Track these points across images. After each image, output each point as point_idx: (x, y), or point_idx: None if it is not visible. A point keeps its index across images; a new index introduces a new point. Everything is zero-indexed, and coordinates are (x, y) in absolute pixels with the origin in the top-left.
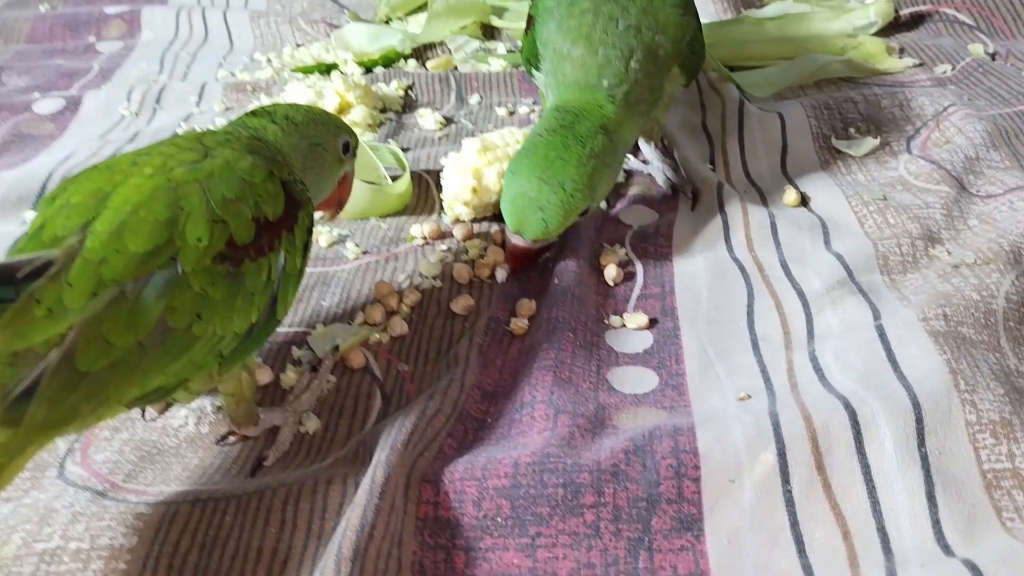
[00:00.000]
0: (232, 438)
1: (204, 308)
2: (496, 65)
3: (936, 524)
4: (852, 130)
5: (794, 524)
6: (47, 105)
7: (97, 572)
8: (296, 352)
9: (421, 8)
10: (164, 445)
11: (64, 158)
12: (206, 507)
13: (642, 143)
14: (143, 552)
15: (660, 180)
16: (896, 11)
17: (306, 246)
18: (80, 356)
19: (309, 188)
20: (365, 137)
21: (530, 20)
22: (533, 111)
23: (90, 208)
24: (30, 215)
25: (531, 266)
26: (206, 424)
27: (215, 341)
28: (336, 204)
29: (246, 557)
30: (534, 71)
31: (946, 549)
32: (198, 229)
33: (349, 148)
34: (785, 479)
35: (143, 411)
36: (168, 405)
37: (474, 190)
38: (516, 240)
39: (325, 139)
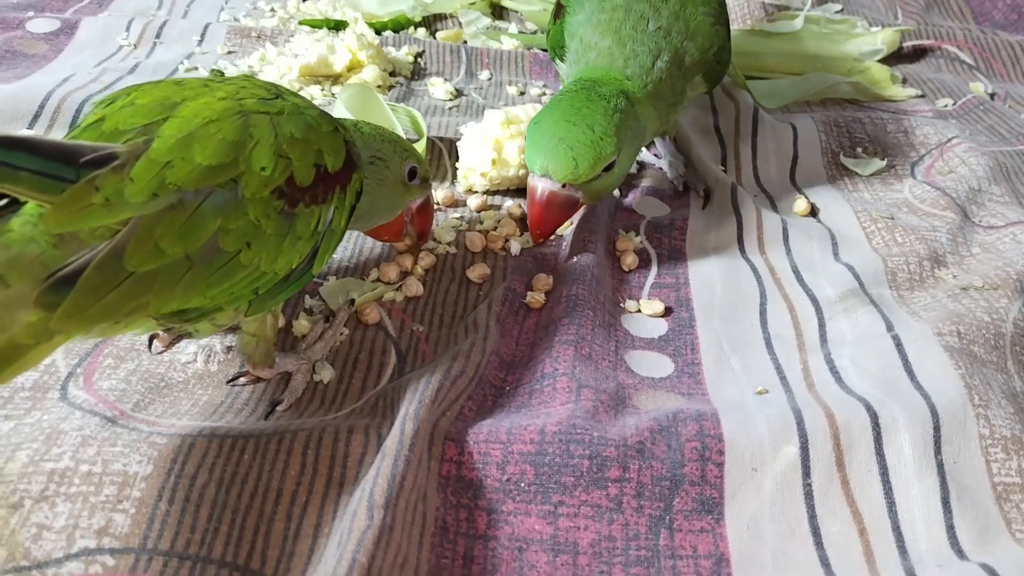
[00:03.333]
0: (244, 379)
1: (255, 238)
2: (508, 44)
3: (951, 529)
4: (859, 150)
5: (812, 517)
6: (41, 24)
7: (110, 497)
8: (308, 301)
9: None
10: (172, 379)
11: (62, 80)
12: (224, 443)
13: (657, 138)
14: (159, 482)
15: (671, 175)
16: (900, 43)
17: (352, 209)
18: (129, 254)
19: (364, 203)
20: (381, 97)
21: (559, 9)
22: (544, 94)
23: (157, 112)
24: (25, 134)
25: (553, 230)
26: (215, 363)
27: (256, 276)
28: (417, 234)
29: (265, 497)
30: (558, 61)
31: (960, 553)
32: (264, 158)
33: (416, 175)
34: (806, 472)
35: (150, 343)
36: (174, 340)
37: (493, 161)
38: (543, 184)
39: (389, 157)
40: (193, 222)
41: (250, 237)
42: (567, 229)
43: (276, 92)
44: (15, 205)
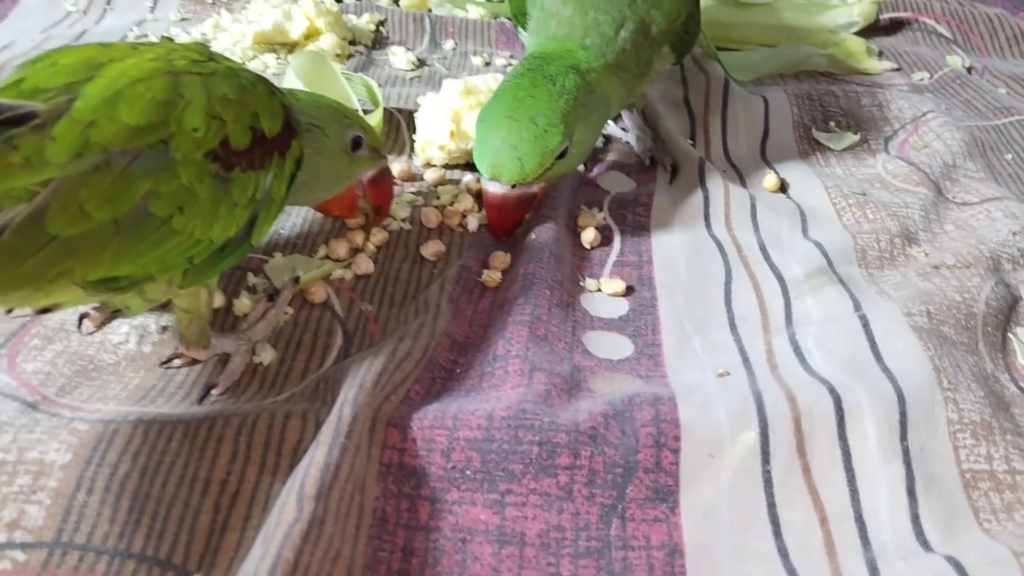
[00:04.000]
0: (178, 361)
1: (188, 203)
2: (474, 13)
3: (915, 519)
4: (832, 124)
5: (771, 506)
6: None
7: (24, 487)
8: (252, 279)
9: None
10: (102, 361)
11: (2, 46)
12: (150, 429)
13: (623, 111)
14: (77, 471)
15: (638, 149)
16: (877, 15)
17: (292, 177)
18: (52, 218)
19: (303, 173)
20: (336, 66)
21: None
22: (510, 64)
23: (80, 71)
24: None
25: (513, 228)
26: (149, 344)
27: (191, 243)
28: (373, 209)
29: (192, 487)
30: (521, 29)
31: (925, 545)
32: (195, 119)
33: (361, 144)
34: (765, 459)
35: (80, 322)
36: (106, 319)
37: (452, 133)
38: (494, 188)
39: (326, 125)
40: (120, 184)
41: (182, 202)
42: None
43: (209, 55)
44: None
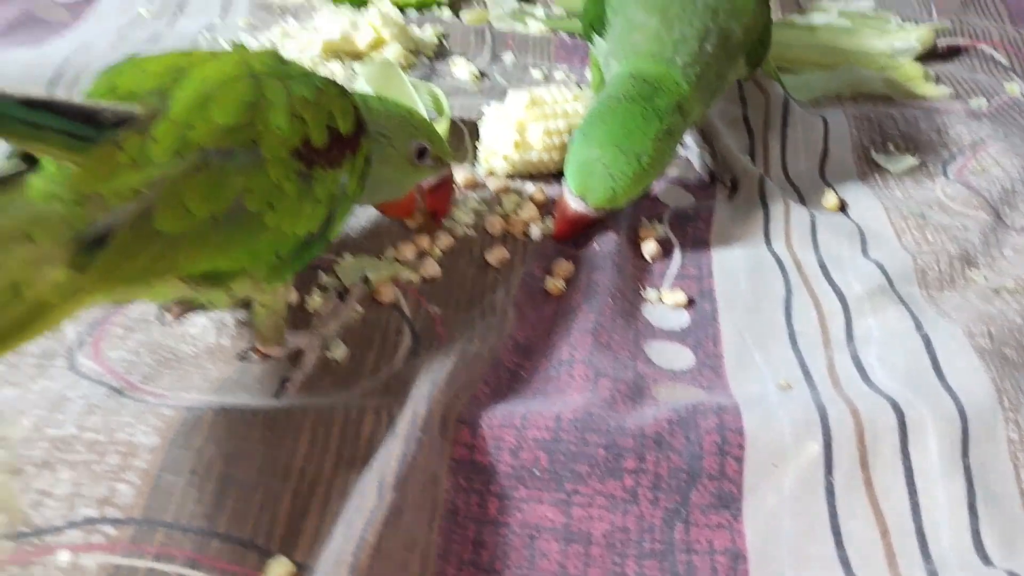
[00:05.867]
0: (253, 355)
1: (277, 199)
2: (533, 27)
3: (976, 534)
4: (891, 146)
5: (833, 515)
6: None
7: (113, 466)
8: (323, 278)
9: None
10: (182, 352)
11: (81, 46)
12: (232, 418)
13: None
14: (163, 453)
15: (698, 165)
16: (935, 41)
17: (363, 175)
18: (159, 215)
19: (371, 174)
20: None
21: None
22: (569, 77)
23: (167, 77)
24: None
25: (575, 237)
26: (227, 336)
27: (279, 238)
28: (429, 214)
29: (273, 473)
30: (596, 37)
31: (985, 560)
32: (279, 118)
33: (426, 154)
34: (828, 470)
35: (161, 313)
36: (185, 311)
37: (516, 144)
38: (575, 204)
39: (394, 135)
40: (219, 182)
41: (272, 198)
42: None
43: (281, 60)
44: (32, 165)
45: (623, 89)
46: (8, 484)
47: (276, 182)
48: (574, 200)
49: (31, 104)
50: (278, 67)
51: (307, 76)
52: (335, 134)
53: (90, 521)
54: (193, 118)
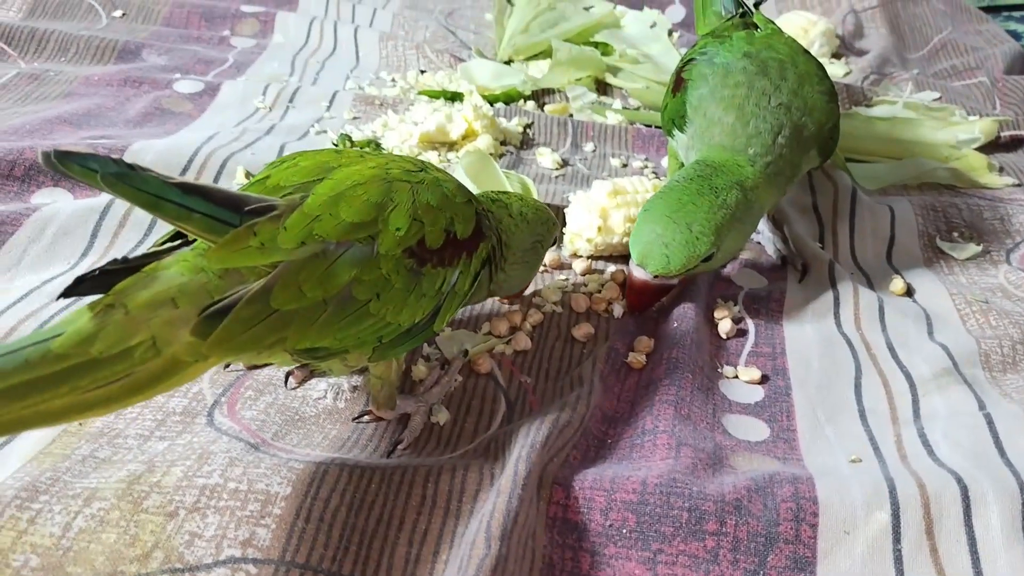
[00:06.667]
0: (367, 417)
1: (384, 291)
2: (612, 118)
3: None
4: (955, 234)
5: None
6: (186, 86)
7: (254, 513)
8: (426, 349)
9: (540, 55)
10: (305, 413)
11: (208, 137)
12: (353, 472)
13: None
14: (297, 502)
15: (770, 250)
16: (998, 132)
17: (476, 275)
18: (276, 293)
19: (512, 279)
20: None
21: (679, 82)
22: (646, 167)
23: (314, 173)
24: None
25: (646, 308)
26: (343, 400)
27: (382, 325)
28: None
29: (389, 524)
30: (676, 132)
31: None
32: (400, 220)
33: (557, 242)
34: (896, 538)
35: (286, 379)
36: (307, 377)
37: (599, 228)
38: (638, 273)
39: (546, 237)
40: (332, 270)
41: (380, 289)
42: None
43: (422, 167)
44: (186, 241)
45: (685, 173)
46: (164, 525)
47: (386, 275)
48: (636, 270)
49: (187, 189)
50: (414, 173)
51: (438, 183)
52: (451, 236)
53: (234, 560)
54: (323, 212)
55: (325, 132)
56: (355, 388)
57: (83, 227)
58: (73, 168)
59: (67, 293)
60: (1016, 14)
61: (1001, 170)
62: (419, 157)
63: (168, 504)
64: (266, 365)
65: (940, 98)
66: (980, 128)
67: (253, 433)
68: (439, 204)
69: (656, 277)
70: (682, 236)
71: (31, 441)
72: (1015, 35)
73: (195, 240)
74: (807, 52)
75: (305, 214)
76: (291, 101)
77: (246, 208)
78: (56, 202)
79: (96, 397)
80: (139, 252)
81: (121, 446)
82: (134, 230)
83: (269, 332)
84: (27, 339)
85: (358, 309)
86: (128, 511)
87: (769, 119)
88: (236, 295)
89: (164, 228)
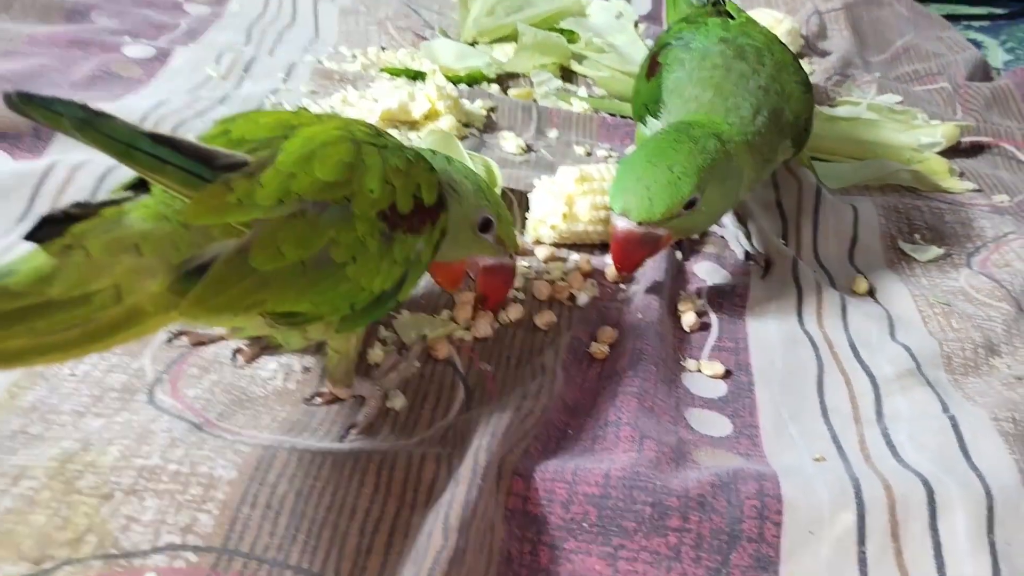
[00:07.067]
0: (319, 399)
1: (360, 254)
2: (577, 106)
3: None
4: (917, 236)
5: None
6: (136, 51)
7: (195, 497)
8: (383, 332)
9: (505, 38)
10: (253, 393)
11: (157, 103)
12: (303, 457)
13: None
14: (242, 487)
15: (733, 245)
16: (959, 137)
17: (437, 244)
18: (255, 254)
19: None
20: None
21: (654, 67)
22: (611, 156)
23: (278, 130)
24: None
25: (636, 265)
26: (293, 381)
27: (356, 290)
28: (479, 298)
29: (340, 511)
30: (648, 118)
31: None
32: (373, 182)
33: (490, 228)
34: (861, 540)
35: (234, 356)
36: (256, 355)
37: (564, 215)
38: (622, 224)
39: (466, 196)
40: (311, 230)
41: (356, 252)
42: (632, 286)
43: (378, 132)
44: (143, 189)
45: (663, 129)
46: (99, 508)
47: (361, 238)
48: (620, 220)
49: (157, 140)
50: (376, 137)
51: (400, 149)
52: (419, 204)
53: (173, 547)
54: (297, 170)
55: (281, 104)
56: (306, 369)
57: (21, 190)
58: (37, 111)
59: (31, 236)
60: (976, 24)
61: (962, 175)
62: None
63: (103, 485)
64: (213, 342)
65: (902, 101)
66: (942, 132)
67: (197, 413)
68: (407, 169)
69: (640, 224)
70: (664, 177)
71: None
72: (975, 44)
73: (152, 189)
74: (782, 42)
75: (280, 171)
76: (246, 71)
77: (218, 162)
78: None
79: (53, 342)
80: None
81: (54, 422)
82: (77, 195)
83: (248, 293)
84: None
85: (335, 272)
86: (60, 491)
87: (749, 98)
88: (213, 253)
89: (106, 193)
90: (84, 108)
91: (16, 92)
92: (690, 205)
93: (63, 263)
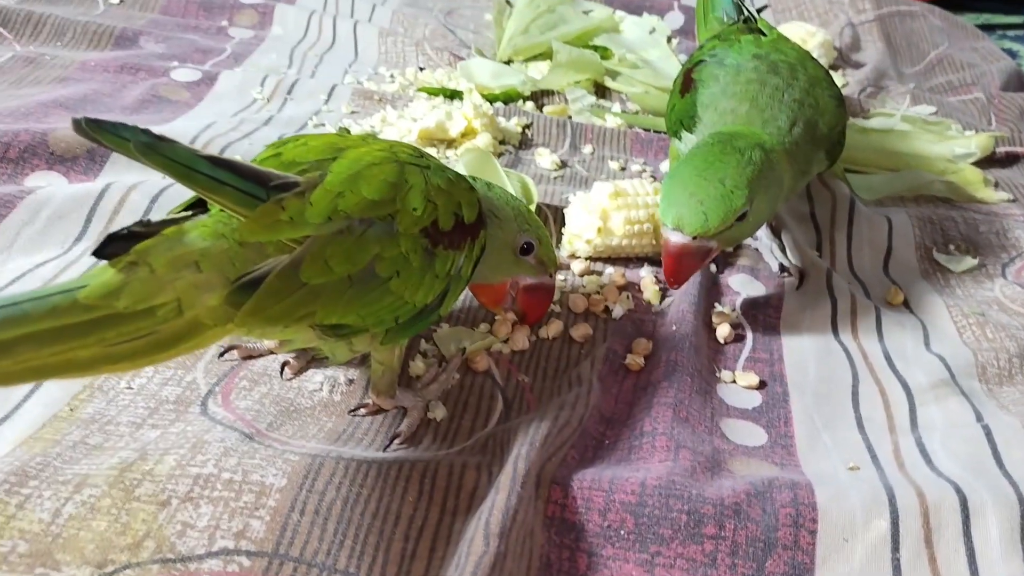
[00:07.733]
0: (363, 410)
1: (404, 268)
2: (611, 122)
3: None
4: (952, 247)
5: None
6: (184, 74)
7: (248, 504)
8: (424, 346)
9: (540, 56)
10: (300, 405)
11: (206, 125)
12: (349, 466)
13: None
14: (292, 494)
15: (767, 256)
16: (994, 148)
17: (477, 261)
18: (305, 268)
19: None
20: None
21: (689, 83)
22: (644, 171)
23: (326, 152)
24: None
25: (687, 276)
26: (339, 393)
27: (400, 304)
28: (520, 315)
29: (385, 518)
30: (683, 133)
31: None
32: (416, 200)
33: (531, 251)
34: (895, 547)
35: (282, 370)
36: (303, 368)
37: (599, 230)
38: (675, 238)
39: (506, 220)
40: (357, 246)
41: (400, 267)
42: (664, 302)
43: (421, 153)
44: (201, 209)
45: (704, 141)
46: (156, 514)
47: (405, 253)
48: (673, 235)
49: (216, 162)
50: (420, 158)
51: (442, 169)
52: (459, 221)
53: (227, 552)
54: (344, 190)
55: (323, 125)
56: (351, 381)
57: (78, 211)
58: (105, 136)
59: (98, 253)
60: (1011, 32)
61: (996, 185)
62: None
63: (160, 493)
64: (262, 356)
65: (936, 112)
66: (976, 143)
67: (248, 423)
68: (448, 188)
69: (695, 238)
70: (716, 191)
71: (21, 426)
72: (1010, 53)
73: (210, 209)
74: (813, 57)
75: (328, 191)
76: (289, 93)
77: (271, 183)
78: (50, 185)
79: (122, 351)
80: None
81: (113, 433)
82: (130, 215)
83: (298, 306)
84: (49, 289)
85: (380, 286)
86: (119, 499)
87: (785, 111)
88: (266, 267)
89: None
90: (147, 133)
91: (85, 119)
92: (741, 217)
93: (129, 278)
